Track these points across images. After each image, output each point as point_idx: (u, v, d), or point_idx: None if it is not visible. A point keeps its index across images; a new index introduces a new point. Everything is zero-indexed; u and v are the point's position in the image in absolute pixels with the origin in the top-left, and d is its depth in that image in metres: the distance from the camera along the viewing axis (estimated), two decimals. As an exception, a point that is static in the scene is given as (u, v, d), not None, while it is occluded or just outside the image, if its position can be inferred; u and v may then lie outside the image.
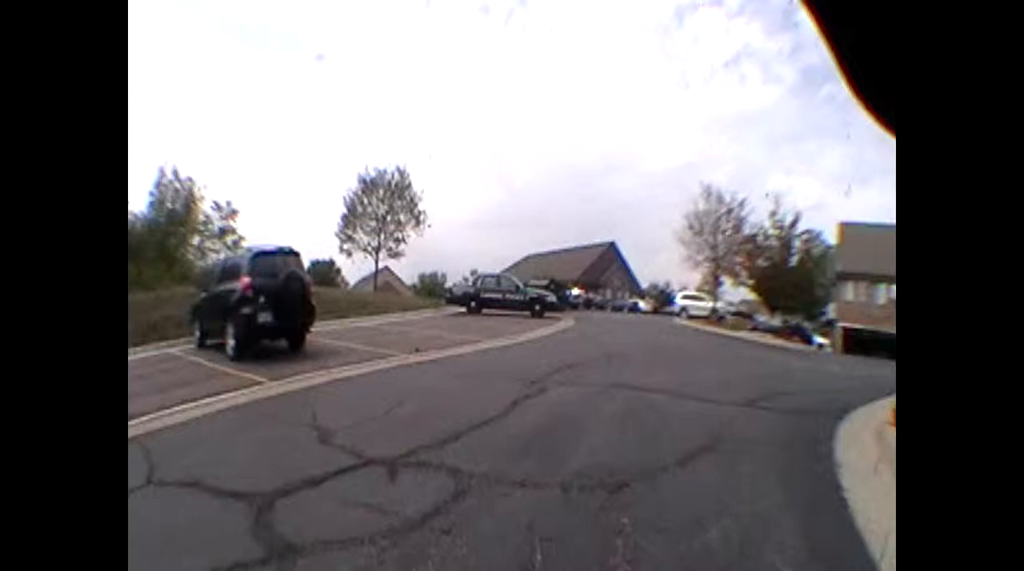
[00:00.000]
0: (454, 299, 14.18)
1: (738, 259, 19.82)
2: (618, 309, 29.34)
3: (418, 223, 23.19)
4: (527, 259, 47.22)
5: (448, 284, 18.66)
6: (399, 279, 42.55)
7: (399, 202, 22.99)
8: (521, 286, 14.00)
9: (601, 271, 40.63)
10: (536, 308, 13.32)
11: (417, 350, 6.05)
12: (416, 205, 23.23)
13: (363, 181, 22.95)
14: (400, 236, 23.07)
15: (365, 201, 22.92)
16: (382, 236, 22.93)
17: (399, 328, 9.33)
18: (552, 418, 3.19)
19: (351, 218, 22.94)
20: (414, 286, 41.26)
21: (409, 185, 23.26)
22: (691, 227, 20.45)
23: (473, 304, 13.62)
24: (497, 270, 22.61)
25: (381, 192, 22.92)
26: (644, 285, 46.00)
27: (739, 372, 5.74)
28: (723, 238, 19.96)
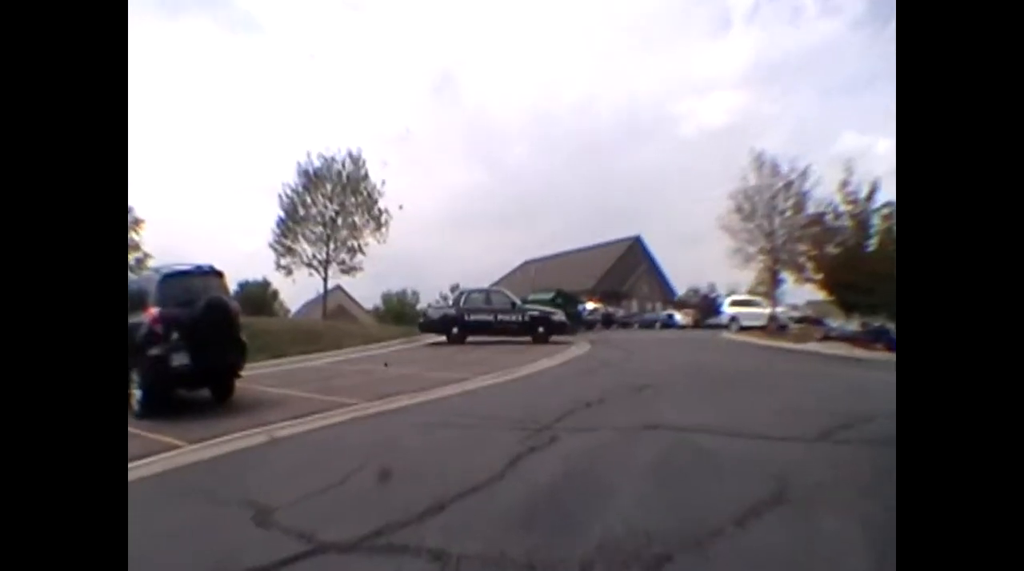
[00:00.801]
0: (430, 325, 14.22)
1: (801, 248, 18.40)
2: (647, 325, 29.55)
3: (379, 226, 23.19)
4: (525, 266, 47.61)
5: (421, 305, 18.67)
6: (356, 302, 42.65)
7: (353, 199, 23.03)
8: (518, 303, 14.08)
9: (623, 277, 41.05)
10: (539, 331, 13.40)
11: (381, 397, 6.02)
12: (375, 202, 23.28)
13: (305, 173, 22.95)
14: (355, 245, 23.04)
15: (308, 200, 22.92)
16: (332, 246, 22.90)
17: (359, 367, 9.30)
18: (566, 476, 3.17)
19: (290, 224, 22.87)
20: (376, 310, 41.37)
21: (365, 176, 23.32)
22: (739, 210, 19.25)
23: (455, 330, 13.68)
24: (485, 284, 22.73)
25: (329, 187, 22.94)
26: (680, 291, 46.56)
27: (808, 396, 5.77)
28: (781, 221, 18.82)
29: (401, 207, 22.97)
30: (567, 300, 18.96)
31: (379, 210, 23.25)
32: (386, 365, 7.88)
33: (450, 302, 15.06)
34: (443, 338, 13.85)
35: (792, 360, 10.02)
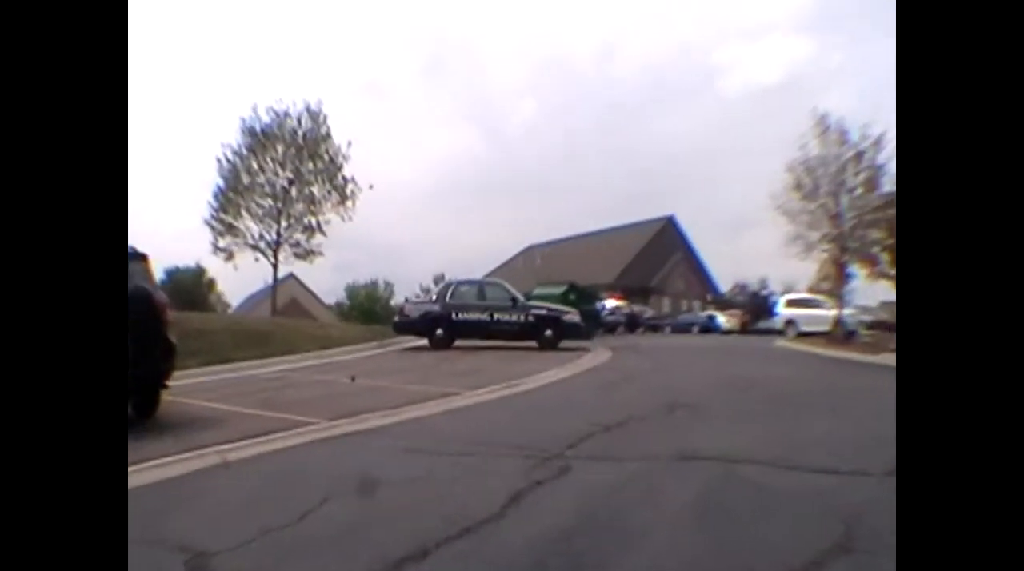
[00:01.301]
0: (408, 325, 14.34)
1: (875, 234, 18.28)
2: (683, 328, 29.74)
3: (344, 199, 23.20)
4: (529, 253, 47.76)
5: (398, 300, 18.56)
6: (314, 295, 42.81)
7: (311, 165, 23.01)
8: (520, 299, 14.17)
9: (653, 268, 41.22)
10: (546, 335, 13.53)
11: (347, 415, 6.05)
12: (339, 168, 23.24)
13: (250, 132, 22.89)
14: (314, 222, 23.06)
15: (254, 165, 22.87)
16: (284, 223, 22.89)
17: (318, 377, 9.36)
18: (581, 516, 3.20)
19: (231, 195, 22.79)
20: (339, 306, 41.43)
21: (327, 135, 23.29)
22: (798, 186, 19.07)
23: (440, 332, 13.76)
24: (478, 274, 22.66)
25: (280, 149, 22.90)
26: (724, 287, 46.74)
27: (880, 422, 5.79)
28: (850, 201, 18.65)
29: (372, 187, 22.87)
30: (582, 296, 19.05)
31: (344, 178, 23.24)
32: (352, 380, 7.95)
33: (434, 297, 15.17)
34: (424, 342, 13.94)
35: (862, 375, 10.07)
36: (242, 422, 5.84)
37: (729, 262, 78.15)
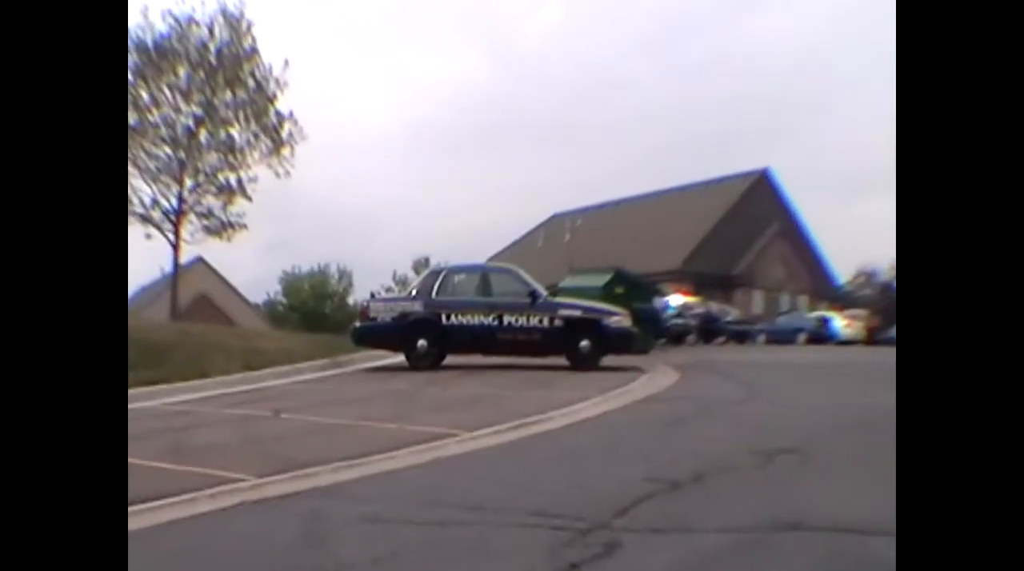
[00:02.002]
0: (375, 334, 14.42)
1: None
2: (782, 337, 29.48)
3: (278, 146, 23.30)
4: (553, 225, 48.02)
5: (359, 296, 18.37)
6: (232, 289, 43.01)
7: (229, 95, 23.12)
8: (542, 294, 14.23)
9: (739, 247, 41.03)
10: (582, 346, 13.52)
11: (287, 468, 6.10)
12: (271, 100, 23.34)
13: (140, 48, 23.00)
14: (232, 180, 23.19)
15: (145, 96, 23.03)
16: (188, 183, 23.04)
17: (242, 411, 9.43)
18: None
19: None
20: (270, 304, 41.63)
21: (252, 52, 23.38)
22: None
23: (423, 344, 13.81)
24: (479, 258, 22.40)
25: (183, 73, 23.04)
26: (843, 277, 46.45)
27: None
28: None
29: (305, 137, 22.75)
30: (633, 289, 19.00)
31: (278, 116, 23.33)
32: (277, 414, 7.99)
33: (413, 292, 14.98)
34: (400, 358, 13.95)
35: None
36: (134, 478, 5.91)
37: (851, 239, 76.88)
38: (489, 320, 13.70)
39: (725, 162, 46.57)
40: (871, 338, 28.00)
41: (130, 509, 5.01)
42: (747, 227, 41.64)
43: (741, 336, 29.71)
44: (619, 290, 18.05)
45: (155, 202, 22.99)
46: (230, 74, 22.97)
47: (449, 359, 14.13)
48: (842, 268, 45.74)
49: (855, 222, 65.21)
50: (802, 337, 29.30)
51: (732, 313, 32.25)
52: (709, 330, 26.75)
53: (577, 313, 13.83)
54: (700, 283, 32.98)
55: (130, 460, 6.69)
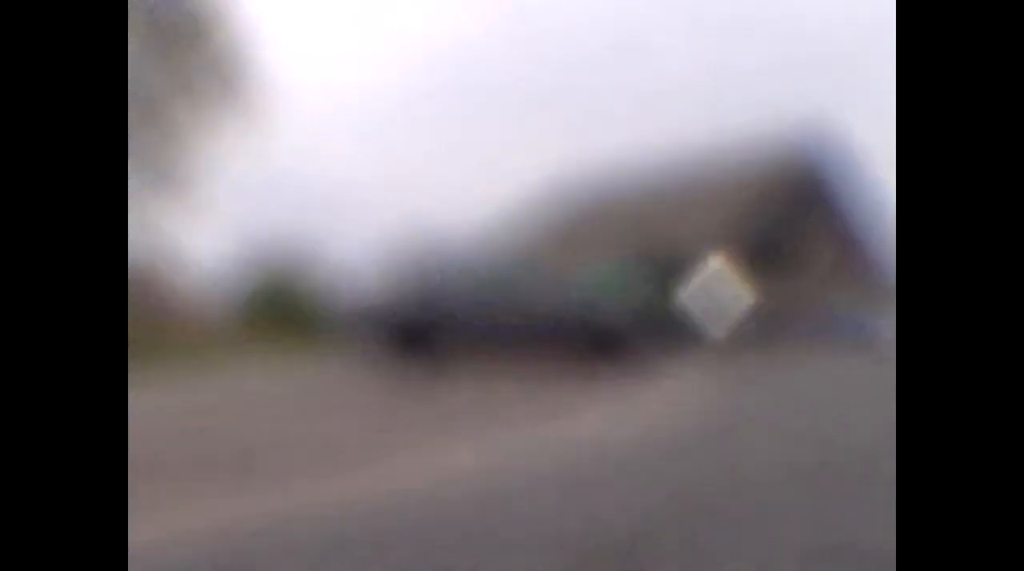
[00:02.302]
0: (363, 332, 14.39)
1: None
2: (838, 336, 29.25)
3: (243, 108, 23.56)
4: (565, 202, 47.59)
5: (341, 300, 18.67)
6: (187, 278, 43.08)
7: (189, 56, 23.42)
8: (555, 285, 14.25)
9: (787, 227, 40.83)
10: (605, 344, 13.66)
11: (257, 486, 6.18)
12: (237, 55, 23.58)
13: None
14: (189, 146, 23.45)
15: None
16: (139, 150, 23.37)
17: (199, 421, 9.54)
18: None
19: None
20: (224, 296, 41.80)
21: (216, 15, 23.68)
22: None
23: (417, 347, 13.85)
24: (483, 242, 22.56)
25: (138, 32, 23.35)
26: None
27: None
28: None
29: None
30: (666, 276, 19.05)
31: (245, 75, 23.62)
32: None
33: (411, 289, 15.04)
34: (393, 362, 14.03)
35: None
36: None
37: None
38: (493, 317, 13.98)
39: (765, 122, 45.66)
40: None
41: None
42: (792, 205, 41.15)
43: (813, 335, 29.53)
44: (639, 279, 18.17)
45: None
46: (188, 29, 23.41)
47: (449, 360, 14.17)
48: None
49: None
50: (864, 336, 29.19)
51: (779, 305, 32.17)
52: (761, 332, 26.88)
53: (601, 316, 14.15)
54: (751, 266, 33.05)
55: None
